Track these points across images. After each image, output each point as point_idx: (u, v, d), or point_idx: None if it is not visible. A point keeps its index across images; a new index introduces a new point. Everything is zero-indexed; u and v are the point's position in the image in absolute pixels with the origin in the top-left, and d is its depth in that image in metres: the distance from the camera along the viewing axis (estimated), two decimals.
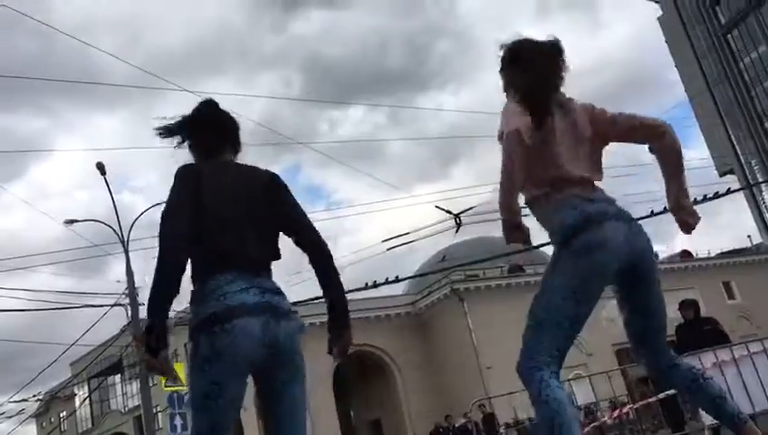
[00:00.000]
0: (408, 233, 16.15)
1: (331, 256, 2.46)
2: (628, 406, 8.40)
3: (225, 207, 2.30)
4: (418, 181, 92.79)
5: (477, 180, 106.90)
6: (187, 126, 2.52)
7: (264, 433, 2.33)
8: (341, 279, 2.44)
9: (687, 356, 5.87)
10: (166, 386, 19.70)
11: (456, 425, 16.91)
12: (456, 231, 14.76)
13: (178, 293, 2.21)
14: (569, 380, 9.59)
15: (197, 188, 2.28)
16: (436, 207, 14.67)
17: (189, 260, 2.26)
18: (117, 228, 24.61)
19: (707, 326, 8.20)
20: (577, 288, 2.29)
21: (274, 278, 2.38)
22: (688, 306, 8.28)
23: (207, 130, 2.51)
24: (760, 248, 43.32)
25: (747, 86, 47.46)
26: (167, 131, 2.51)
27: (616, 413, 8.85)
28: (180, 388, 20.08)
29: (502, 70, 2.58)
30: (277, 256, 2.43)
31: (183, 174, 2.33)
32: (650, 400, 8.67)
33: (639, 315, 2.47)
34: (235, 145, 2.54)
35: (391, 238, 16.54)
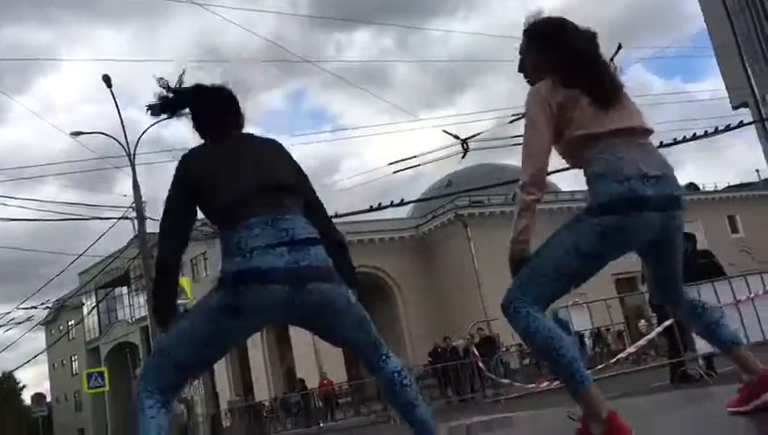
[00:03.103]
0: (414, 157, 16.09)
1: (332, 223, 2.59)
2: (632, 348, 8.57)
3: (232, 168, 2.32)
4: (424, 107, 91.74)
5: (483, 108, 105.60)
6: (186, 105, 2.53)
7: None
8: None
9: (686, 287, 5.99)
10: None
11: (454, 344, 17.21)
12: (463, 157, 14.71)
13: (179, 273, 2.41)
14: (566, 306, 9.75)
15: (197, 172, 2.33)
16: (444, 131, 14.58)
17: (210, 216, 2.34)
18: (123, 142, 24.55)
19: (704, 259, 8.26)
20: (589, 255, 2.28)
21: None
22: (685, 239, 8.35)
23: (204, 109, 2.51)
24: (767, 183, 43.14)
25: None
26: (160, 108, 2.53)
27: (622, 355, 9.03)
28: (185, 301, 20.52)
29: (534, 45, 2.54)
30: (294, 183, 2.40)
31: (180, 165, 2.39)
32: (649, 336, 8.82)
33: (660, 271, 2.55)
34: (237, 120, 2.53)
35: (398, 162, 16.48)
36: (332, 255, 2.29)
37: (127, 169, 22.39)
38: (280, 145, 2.52)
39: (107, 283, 39.91)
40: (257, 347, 34.56)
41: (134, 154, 24.29)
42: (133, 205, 23.37)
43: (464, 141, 14.37)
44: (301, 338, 30.37)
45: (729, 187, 41.30)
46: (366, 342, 2.37)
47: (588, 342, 17.81)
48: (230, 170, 2.30)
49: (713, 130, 21.49)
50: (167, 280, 2.36)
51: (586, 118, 2.33)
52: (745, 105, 45.83)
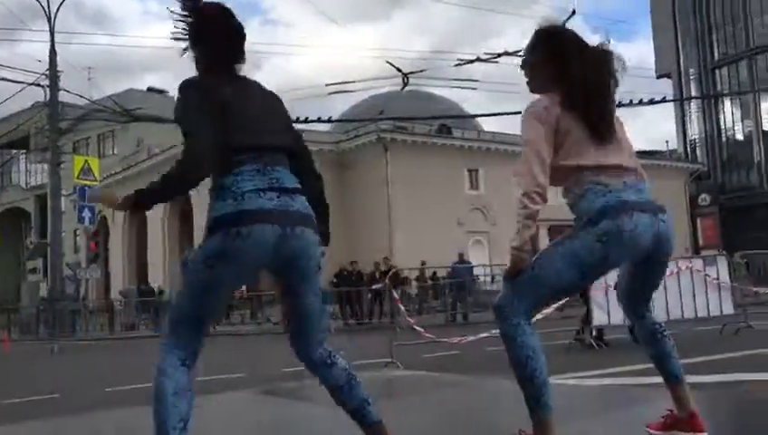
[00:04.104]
0: (353, 82, 15.93)
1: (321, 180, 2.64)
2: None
3: (239, 109, 2.31)
4: (359, 19, 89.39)
5: (417, 28, 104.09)
6: (194, 36, 2.42)
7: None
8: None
9: None
10: (77, 178, 19.43)
11: (374, 287, 17.27)
12: (402, 89, 14.64)
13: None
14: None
15: (207, 100, 2.26)
16: (387, 62, 14.42)
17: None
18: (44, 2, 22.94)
19: None
20: (591, 266, 2.36)
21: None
22: None
23: (214, 43, 2.42)
24: (672, 155, 45.11)
25: None
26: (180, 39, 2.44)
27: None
28: (92, 182, 19.85)
29: (541, 52, 2.54)
30: (294, 147, 2.46)
31: (191, 87, 2.30)
32: (555, 305, 9.35)
33: (639, 283, 2.63)
34: (240, 58, 2.45)
35: (334, 84, 16.25)
36: (315, 211, 2.38)
37: (41, 32, 21.07)
38: (279, 98, 2.53)
39: (4, 144, 37.87)
40: (157, 234, 34.02)
41: (55, 18, 22.81)
42: (47, 72, 22.12)
43: (405, 75, 14.29)
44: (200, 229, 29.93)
45: (635, 153, 42.76)
46: (317, 327, 2.43)
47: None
48: (238, 111, 2.30)
49: (638, 101, 22.19)
50: (174, 189, 2.27)
51: (577, 144, 2.41)
52: (668, 76, 47.38)
